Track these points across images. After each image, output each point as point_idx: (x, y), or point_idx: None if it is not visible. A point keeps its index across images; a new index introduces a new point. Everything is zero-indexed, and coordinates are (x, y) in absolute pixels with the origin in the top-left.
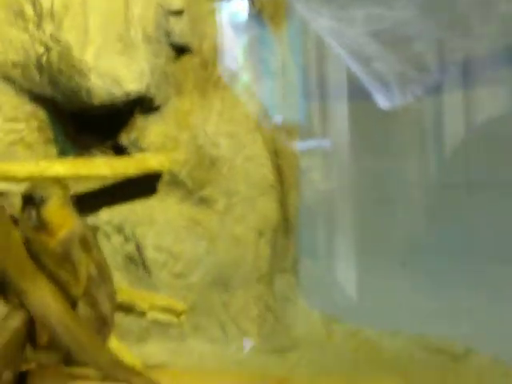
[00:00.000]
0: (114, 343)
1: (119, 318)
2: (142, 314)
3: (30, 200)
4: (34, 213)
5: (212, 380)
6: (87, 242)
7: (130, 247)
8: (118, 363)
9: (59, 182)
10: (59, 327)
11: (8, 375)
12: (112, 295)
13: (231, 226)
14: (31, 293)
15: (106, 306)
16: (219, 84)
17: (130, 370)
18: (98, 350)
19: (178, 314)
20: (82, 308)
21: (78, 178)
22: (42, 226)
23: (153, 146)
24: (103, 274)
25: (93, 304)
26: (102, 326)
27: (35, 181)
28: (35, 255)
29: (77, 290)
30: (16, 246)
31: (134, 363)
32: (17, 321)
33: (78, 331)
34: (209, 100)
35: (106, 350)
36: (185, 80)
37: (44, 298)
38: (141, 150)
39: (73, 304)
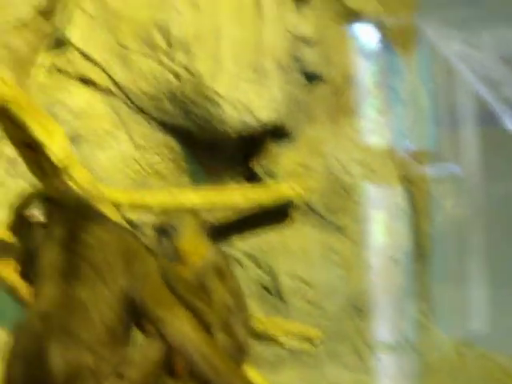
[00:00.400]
0: (250, 371)
1: (254, 345)
2: (278, 341)
3: (163, 230)
4: (167, 242)
5: None
6: (222, 271)
7: (265, 276)
8: None
9: (192, 211)
10: (197, 356)
11: None
12: (247, 322)
13: (365, 253)
14: (169, 322)
15: (241, 334)
16: (350, 111)
17: None
18: (236, 378)
19: (313, 342)
20: (219, 337)
21: (212, 207)
22: (175, 255)
23: (286, 174)
24: (239, 302)
25: (229, 333)
26: (239, 353)
27: (167, 211)
28: (170, 284)
29: (211, 319)
30: (152, 274)
31: None
32: (155, 351)
33: (217, 360)
34: (340, 127)
35: (244, 378)
36: (316, 107)
37: (182, 326)
38: (273, 177)
39: (207, 333)
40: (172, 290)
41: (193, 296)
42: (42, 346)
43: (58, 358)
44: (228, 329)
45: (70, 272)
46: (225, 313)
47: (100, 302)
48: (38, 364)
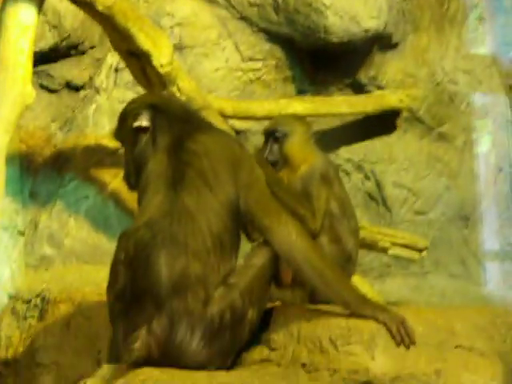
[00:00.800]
0: (357, 279)
1: (361, 254)
2: (384, 250)
3: (272, 136)
4: (275, 148)
5: (455, 316)
6: (328, 178)
7: (370, 185)
8: (364, 300)
9: (301, 118)
10: (305, 265)
11: (253, 313)
12: (355, 232)
13: (470, 162)
14: (276, 230)
15: (350, 243)
16: (455, 20)
17: (377, 307)
18: (344, 286)
19: (419, 251)
20: (326, 244)
21: (317, 116)
22: (284, 161)
23: (391, 83)
24: (345, 210)
25: (336, 240)
26: (347, 262)
27: (277, 117)
28: (274, 191)
29: (314, 225)
30: (259, 182)
31: (376, 299)
32: (261, 258)
33: (324, 268)
34: (445, 36)
35: (352, 286)
36: (421, 17)
37: (289, 235)
38: (379, 87)
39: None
40: (275, 196)
41: (296, 202)
42: (150, 254)
43: (166, 265)
44: (336, 236)
45: (176, 179)
46: (332, 220)
47: (207, 210)
48: (146, 272)
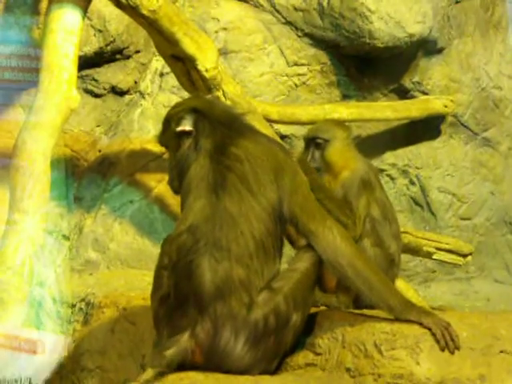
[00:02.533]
0: (401, 284)
1: (405, 259)
2: (429, 255)
3: (314, 142)
4: (317, 154)
5: (499, 321)
6: (369, 183)
7: (415, 190)
8: (408, 304)
9: (342, 123)
10: (350, 269)
11: (297, 317)
12: (397, 235)
13: None
14: (320, 234)
15: (392, 246)
16: (500, 25)
17: (421, 311)
18: (388, 291)
19: (463, 256)
20: (369, 248)
21: (362, 121)
22: (325, 167)
23: (436, 88)
24: (387, 214)
25: (379, 244)
26: (390, 265)
27: (318, 123)
28: (317, 197)
29: (354, 233)
30: (302, 187)
31: (421, 304)
32: (305, 263)
33: (369, 273)
34: (490, 42)
35: (396, 291)
36: (466, 22)
37: (334, 239)
38: (424, 92)
39: (355, 239)
40: (318, 202)
41: (338, 209)
42: (193, 259)
43: (209, 270)
44: (378, 240)
45: (219, 184)
46: (373, 224)
47: (249, 215)
48: (189, 276)
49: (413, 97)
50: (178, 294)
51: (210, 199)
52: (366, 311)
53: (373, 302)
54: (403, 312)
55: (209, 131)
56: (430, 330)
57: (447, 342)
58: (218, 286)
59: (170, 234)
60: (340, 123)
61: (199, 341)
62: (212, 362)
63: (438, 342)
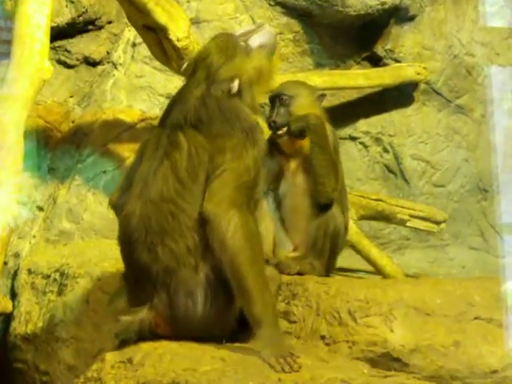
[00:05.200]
0: (375, 252)
1: (379, 226)
2: (403, 223)
3: (279, 99)
4: (282, 110)
5: (473, 287)
6: (336, 150)
7: (389, 157)
8: (270, 331)
9: (306, 83)
10: (229, 267)
11: None
12: (348, 207)
13: (488, 134)
14: (214, 219)
15: (347, 214)
16: None
17: (274, 343)
18: (261, 305)
19: (437, 223)
20: (339, 215)
21: (335, 89)
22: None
23: (408, 56)
24: (343, 185)
25: (343, 212)
26: (345, 234)
27: (282, 83)
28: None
29: (335, 194)
30: (233, 172)
31: (395, 272)
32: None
33: (249, 281)
34: (462, 9)
35: (269, 310)
36: None
37: (225, 231)
38: (396, 60)
39: (326, 206)
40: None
41: (334, 172)
42: (133, 250)
43: (149, 256)
44: (343, 208)
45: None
46: (339, 192)
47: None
48: (134, 263)
49: (385, 64)
50: (131, 274)
51: (142, 184)
52: (339, 278)
53: (242, 306)
54: (259, 333)
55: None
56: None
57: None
58: (164, 265)
59: (111, 198)
60: (304, 82)
61: (159, 312)
62: (180, 329)
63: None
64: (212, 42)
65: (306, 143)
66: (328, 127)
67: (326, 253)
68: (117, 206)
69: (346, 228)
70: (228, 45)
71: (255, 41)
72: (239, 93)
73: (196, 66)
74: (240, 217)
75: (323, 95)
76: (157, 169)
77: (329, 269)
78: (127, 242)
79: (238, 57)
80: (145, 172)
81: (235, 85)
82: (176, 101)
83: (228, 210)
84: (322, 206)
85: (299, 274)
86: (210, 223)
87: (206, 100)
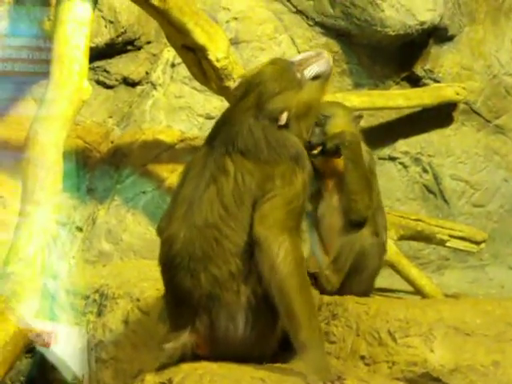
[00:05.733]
0: (415, 272)
1: (419, 247)
2: (442, 243)
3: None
4: (317, 130)
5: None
6: (371, 170)
7: (428, 177)
8: (319, 352)
9: (343, 104)
10: (277, 293)
11: None
12: (386, 227)
13: None
14: (264, 243)
15: (384, 237)
16: (511, 12)
17: (320, 368)
18: (307, 331)
19: (477, 243)
20: (369, 237)
21: (374, 110)
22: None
23: (448, 76)
24: (380, 204)
25: (376, 233)
26: (383, 254)
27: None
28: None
29: (368, 212)
30: (283, 198)
31: (434, 292)
32: None
33: (296, 307)
34: (501, 29)
35: (315, 337)
36: (477, 9)
37: (276, 256)
38: (435, 80)
39: (359, 225)
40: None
41: (368, 190)
42: (174, 275)
43: (192, 283)
44: (376, 230)
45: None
46: (372, 213)
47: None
48: (175, 288)
49: (424, 84)
50: (172, 297)
51: (187, 206)
52: (378, 298)
53: (288, 333)
54: (305, 358)
55: None
56: None
57: None
58: (205, 292)
59: (160, 226)
60: (340, 103)
61: (200, 334)
62: (220, 351)
63: None
64: (268, 68)
65: (341, 162)
66: (363, 147)
67: (345, 270)
68: (160, 228)
69: (383, 249)
70: (283, 74)
71: (311, 71)
72: (287, 124)
73: (248, 89)
74: (291, 242)
75: (360, 116)
76: (203, 193)
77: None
78: (169, 266)
79: (291, 89)
80: (189, 194)
81: (284, 117)
82: (223, 122)
83: (279, 234)
84: (354, 224)
85: (314, 277)
86: (261, 246)
87: (252, 128)
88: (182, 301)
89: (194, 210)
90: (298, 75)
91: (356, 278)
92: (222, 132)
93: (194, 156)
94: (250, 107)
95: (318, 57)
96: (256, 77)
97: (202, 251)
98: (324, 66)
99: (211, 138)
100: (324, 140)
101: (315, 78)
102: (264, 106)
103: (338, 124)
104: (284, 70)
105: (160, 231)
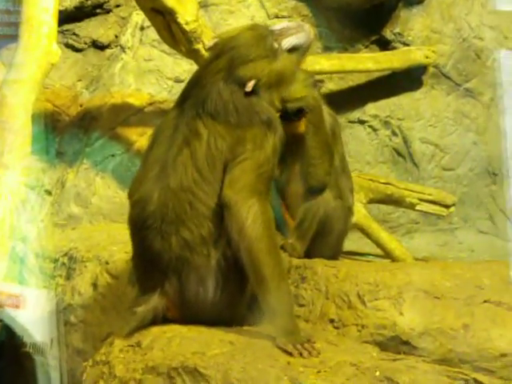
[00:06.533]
0: (384, 235)
1: (388, 210)
2: (412, 206)
3: None
4: None
5: (483, 271)
6: (334, 134)
7: (397, 141)
8: (288, 319)
9: (302, 68)
10: (246, 255)
11: None
12: (352, 189)
13: (497, 118)
14: (234, 207)
15: (350, 199)
16: None
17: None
18: (277, 295)
19: (446, 207)
20: (332, 200)
21: (344, 73)
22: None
23: (417, 39)
24: (345, 167)
25: (340, 196)
26: (349, 216)
27: None
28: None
29: (327, 178)
30: (253, 161)
31: (404, 255)
32: None
33: (265, 267)
34: None
35: (285, 300)
36: None
37: (245, 219)
38: (405, 43)
39: (318, 190)
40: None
41: (329, 156)
42: (145, 236)
43: (162, 245)
44: (339, 193)
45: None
46: (335, 177)
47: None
48: (145, 249)
49: (394, 48)
50: (141, 259)
51: (160, 167)
52: (348, 262)
53: (258, 295)
54: (275, 321)
55: None
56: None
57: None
58: (175, 255)
59: (131, 189)
60: (301, 68)
61: (170, 298)
62: (190, 314)
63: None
64: (246, 33)
65: (303, 127)
66: (327, 110)
67: (309, 236)
68: (131, 190)
69: (348, 212)
70: (259, 41)
71: (289, 42)
72: (255, 92)
73: (221, 51)
74: (260, 205)
75: (321, 81)
76: (176, 155)
77: (308, 252)
78: (140, 227)
79: (265, 57)
80: (161, 156)
81: (250, 85)
82: (194, 84)
83: (248, 197)
84: (313, 190)
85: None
86: (230, 210)
87: (221, 91)
88: (151, 263)
89: (169, 172)
90: (275, 45)
91: (322, 243)
92: (193, 94)
93: (164, 118)
94: (221, 70)
95: (298, 28)
96: (231, 40)
97: (175, 214)
98: (303, 38)
99: (182, 100)
100: (285, 104)
101: (292, 49)
102: (234, 71)
103: (299, 89)
104: (261, 38)
105: (131, 193)
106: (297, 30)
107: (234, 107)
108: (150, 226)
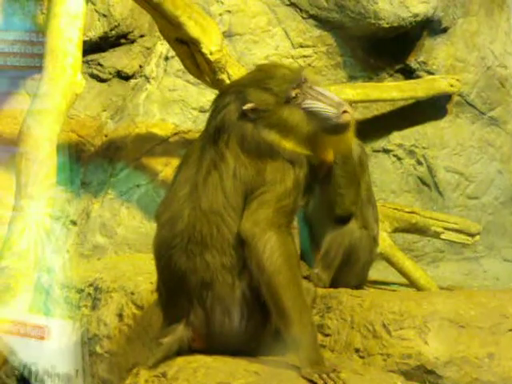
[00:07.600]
0: (410, 264)
1: (413, 239)
2: (437, 235)
3: None
4: None
5: (507, 299)
6: (362, 164)
7: (422, 169)
8: (311, 351)
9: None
10: (265, 289)
11: None
12: (378, 220)
13: None
14: (251, 239)
15: (375, 229)
16: (505, 4)
17: (314, 360)
18: (299, 327)
19: (471, 235)
20: (357, 230)
21: (368, 102)
22: None
23: (441, 68)
24: (371, 197)
25: (365, 226)
26: (374, 247)
27: None
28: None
29: (353, 208)
30: (274, 193)
31: (429, 284)
32: None
33: (286, 300)
34: (495, 21)
35: (309, 331)
36: (471, 1)
37: (262, 252)
38: (429, 72)
39: (344, 220)
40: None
41: (356, 186)
42: (171, 255)
43: (187, 265)
44: (364, 222)
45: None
46: (360, 206)
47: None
48: (170, 272)
49: (418, 77)
50: (166, 287)
51: (191, 187)
52: (372, 291)
53: (279, 328)
54: (298, 353)
55: None
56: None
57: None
58: (199, 278)
59: (159, 210)
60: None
61: (195, 328)
62: (215, 345)
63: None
64: (273, 66)
65: (331, 155)
66: (354, 140)
67: (334, 266)
68: (159, 211)
69: (374, 242)
70: (279, 81)
71: (310, 105)
72: (253, 119)
73: (243, 77)
74: (278, 238)
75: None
76: (206, 176)
77: (335, 282)
78: (166, 247)
79: (273, 96)
80: (191, 177)
81: (248, 106)
82: (215, 105)
83: (266, 230)
84: (339, 219)
85: (305, 278)
86: (248, 243)
87: (225, 115)
88: (176, 289)
89: (200, 193)
90: (293, 93)
91: (347, 272)
92: (213, 117)
93: (193, 143)
94: (234, 92)
95: (332, 103)
96: (260, 71)
97: (201, 235)
98: (328, 115)
99: (208, 123)
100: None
101: (310, 114)
102: (243, 90)
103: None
104: (283, 78)
105: (159, 214)
106: (329, 104)
107: (251, 137)
108: (177, 244)
